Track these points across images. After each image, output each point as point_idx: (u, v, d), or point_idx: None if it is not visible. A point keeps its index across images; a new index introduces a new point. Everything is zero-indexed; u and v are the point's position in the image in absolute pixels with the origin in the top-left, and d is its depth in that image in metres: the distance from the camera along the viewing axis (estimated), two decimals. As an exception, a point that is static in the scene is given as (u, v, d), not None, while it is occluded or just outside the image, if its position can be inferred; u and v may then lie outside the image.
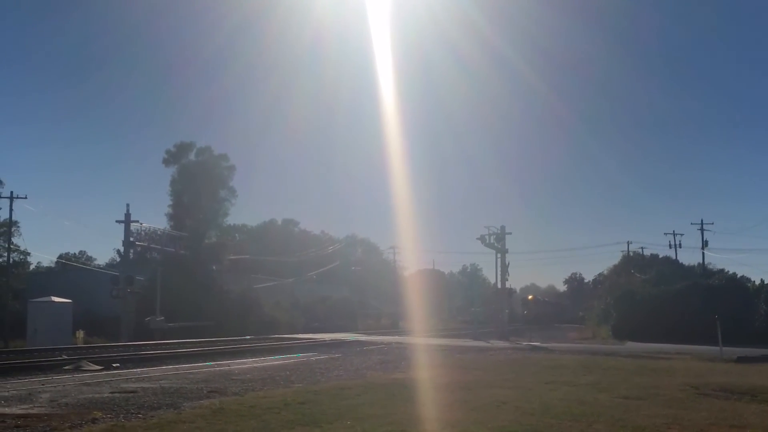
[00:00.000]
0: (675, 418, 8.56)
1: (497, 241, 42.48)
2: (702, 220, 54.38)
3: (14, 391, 11.00)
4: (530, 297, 78.68)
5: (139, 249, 47.28)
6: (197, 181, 50.07)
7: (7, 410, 8.97)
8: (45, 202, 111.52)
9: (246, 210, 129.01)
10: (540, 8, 64.34)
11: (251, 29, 62.09)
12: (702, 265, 53.25)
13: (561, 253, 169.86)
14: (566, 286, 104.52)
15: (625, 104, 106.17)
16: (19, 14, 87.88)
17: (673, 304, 38.46)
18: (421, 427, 7.87)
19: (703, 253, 53.76)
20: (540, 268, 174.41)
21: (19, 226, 48.06)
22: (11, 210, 41.89)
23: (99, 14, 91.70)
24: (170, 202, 50.92)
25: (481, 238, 42.18)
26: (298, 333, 40.38)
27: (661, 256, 60.33)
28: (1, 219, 45.38)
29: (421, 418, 8.56)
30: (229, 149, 77.81)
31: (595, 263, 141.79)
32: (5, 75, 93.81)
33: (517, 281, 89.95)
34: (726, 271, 50.83)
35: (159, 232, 48.00)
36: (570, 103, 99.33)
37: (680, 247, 56.94)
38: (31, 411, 8.99)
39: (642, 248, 64.52)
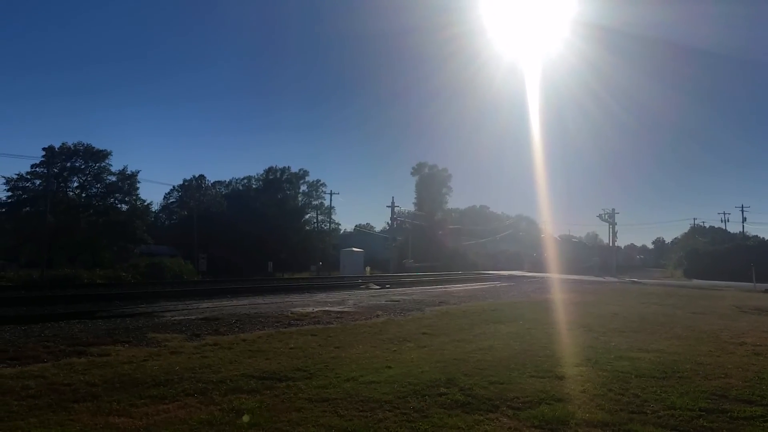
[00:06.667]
0: (725, 326, 12.89)
1: (609, 218, 67.35)
2: (742, 205, 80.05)
3: (334, 299, 18.76)
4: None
5: (398, 222, 78.36)
6: (429, 183, 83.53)
7: (332, 308, 16.21)
8: (348, 194, 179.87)
9: (458, 198, 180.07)
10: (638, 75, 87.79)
11: (457, 79, 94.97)
12: (742, 233, 79.15)
13: (650, 224, 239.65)
14: (653, 245, 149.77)
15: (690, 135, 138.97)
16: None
17: (723, 256, 57.91)
18: (564, 326, 12.89)
19: (743, 225, 79.85)
20: (637, 234, 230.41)
21: (334, 208, 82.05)
22: (331, 200, 77.55)
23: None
24: (415, 195, 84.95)
25: (600, 216, 67.95)
26: (488, 270, 60.51)
27: (715, 227, 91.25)
28: (325, 206, 78.74)
29: (565, 321, 13.75)
30: (447, 161, 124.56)
31: (672, 231, 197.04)
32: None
33: (620, 242, 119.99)
34: (757, 236, 73.50)
35: (409, 213, 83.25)
36: (652, 134, 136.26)
37: (728, 221, 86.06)
38: (344, 309, 15.91)
39: (703, 222, 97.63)
